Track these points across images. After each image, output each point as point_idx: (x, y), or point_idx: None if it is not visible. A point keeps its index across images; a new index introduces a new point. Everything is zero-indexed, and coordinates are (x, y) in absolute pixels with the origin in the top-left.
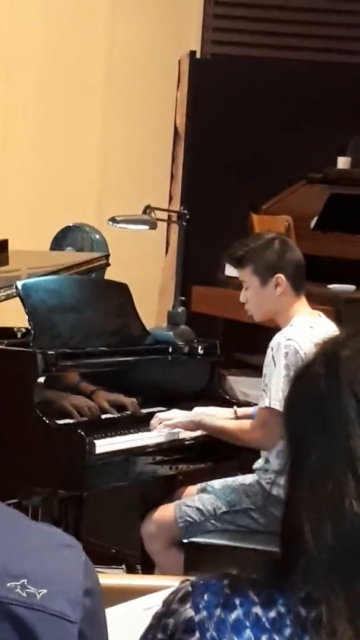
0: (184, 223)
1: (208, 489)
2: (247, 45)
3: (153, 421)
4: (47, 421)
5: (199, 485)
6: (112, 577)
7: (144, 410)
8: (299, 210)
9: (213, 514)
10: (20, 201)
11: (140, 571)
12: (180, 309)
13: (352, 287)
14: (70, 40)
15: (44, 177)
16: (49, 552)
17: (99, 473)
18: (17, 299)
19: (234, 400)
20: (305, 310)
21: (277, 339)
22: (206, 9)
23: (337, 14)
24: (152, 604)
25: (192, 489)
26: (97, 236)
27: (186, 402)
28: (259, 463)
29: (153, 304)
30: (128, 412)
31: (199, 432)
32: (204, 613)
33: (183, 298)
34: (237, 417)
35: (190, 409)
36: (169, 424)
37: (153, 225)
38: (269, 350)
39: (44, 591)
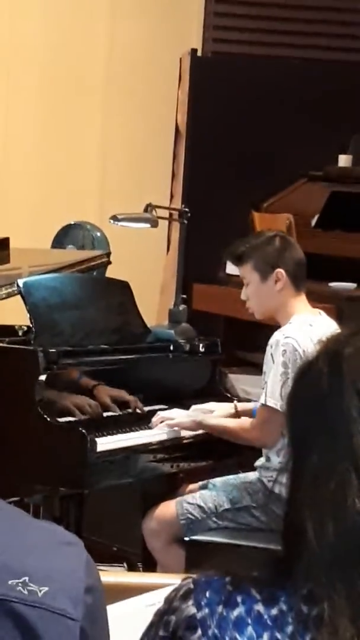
0: (185, 221)
1: (209, 486)
2: (248, 44)
3: (155, 419)
4: (49, 419)
5: (200, 483)
6: (113, 575)
7: (146, 408)
8: (300, 208)
9: (214, 511)
10: (21, 199)
11: (141, 569)
12: (182, 307)
13: (353, 285)
14: (71, 40)
15: (45, 176)
16: (51, 549)
17: (100, 471)
18: (19, 297)
19: (235, 398)
20: (305, 308)
21: (276, 336)
22: (207, 7)
23: (338, 12)
24: (154, 600)
25: (193, 487)
26: (99, 234)
27: (187, 399)
28: (260, 461)
29: (154, 302)
30: (129, 410)
31: (200, 430)
32: (206, 610)
33: (184, 296)
34: (237, 412)
35: (191, 406)
36: (170, 423)
37: (154, 224)
38: (268, 348)
39: (46, 589)
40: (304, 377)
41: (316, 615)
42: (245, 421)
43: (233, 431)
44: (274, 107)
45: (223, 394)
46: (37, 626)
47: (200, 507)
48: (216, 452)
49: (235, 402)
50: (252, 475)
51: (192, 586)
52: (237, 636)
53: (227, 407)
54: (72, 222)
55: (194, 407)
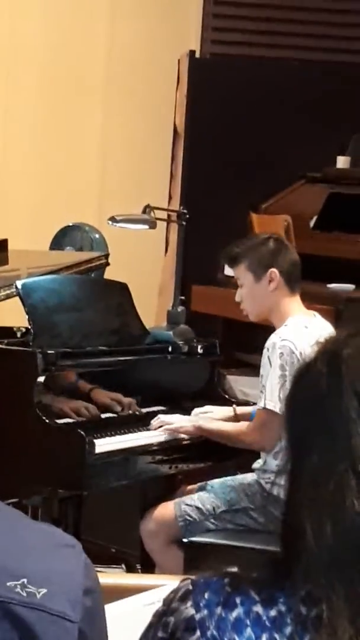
0: (184, 222)
1: (207, 488)
2: (247, 45)
3: (154, 423)
4: (47, 420)
5: (198, 484)
6: (111, 577)
7: (144, 410)
8: (298, 209)
9: (212, 512)
10: (20, 201)
11: (139, 570)
12: (180, 308)
13: (351, 286)
14: (70, 41)
15: (43, 177)
16: (49, 551)
17: (98, 472)
18: (17, 298)
19: (233, 400)
20: (299, 310)
21: (272, 339)
22: (205, 8)
23: (336, 14)
24: (153, 599)
25: (191, 488)
26: (97, 235)
27: (186, 401)
28: (258, 463)
29: (153, 304)
30: (128, 412)
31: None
32: (205, 611)
33: (183, 297)
34: (236, 416)
35: (190, 408)
36: (169, 428)
37: (153, 225)
38: (264, 351)
39: (44, 591)
40: (303, 379)
41: (315, 616)
42: (243, 425)
43: (232, 435)
44: (272, 109)
45: (221, 396)
46: (35, 628)
47: (198, 508)
48: (215, 454)
49: (234, 405)
50: (249, 477)
51: (190, 587)
52: (236, 637)
53: (226, 411)
54: (71, 224)
55: (195, 410)
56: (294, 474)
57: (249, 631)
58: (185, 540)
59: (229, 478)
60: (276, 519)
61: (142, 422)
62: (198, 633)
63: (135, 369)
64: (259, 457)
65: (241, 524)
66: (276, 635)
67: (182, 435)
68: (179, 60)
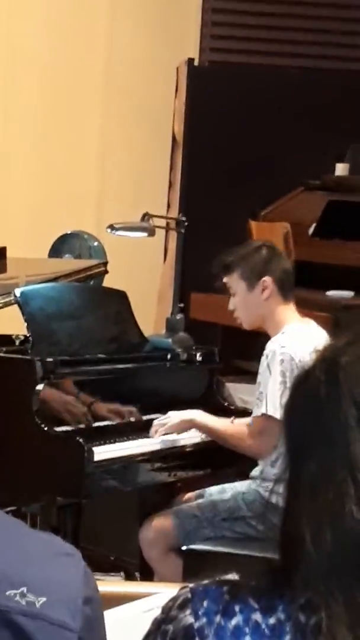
0: (182, 230)
1: (206, 495)
2: (245, 53)
3: (152, 430)
4: (46, 428)
5: (197, 492)
6: (110, 585)
7: (143, 418)
8: (297, 217)
9: (211, 521)
10: (19, 208)
11: (138, 578)
12: (179, 316)
13: (350, 293)
14: (69, 48)
15: (42, 185)
16: (49, 560)
17: (97, 480)
18: (16, 306)
19: (232, 407)
20: (295, 317)
21: (271, 347)
22: (204, 16)
23: (335, 21)
24: (152, 606)
25: (190, 496)
26: (96, 243)
27: (185, 409)
28: (256, 471)
29: (151, 311)
30: (127, 419)
31: (198, 439)
32: (204, 620)
33: (181, 305)
34: None
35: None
36: (162, 430)
37: (151, 233)
38: (263, 359)
39: (44, 599)
40: (301, 386)
41: (314, 624)
42: (241, 429)
43: (226, 435)
44: (271, 116)
45: (220, 403)
46: (35, 637)
47: (196, 516)
48: (214, 461)
49: (233, 418)
50: (248, 485)
51: (189, 595)
52: None
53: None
54: (69, 231)
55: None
56: (292, 482)
57: (248, 639)
58: (184, 548)
59: (227, 485)
60: (275, 526)
61: (140, 430)
62: None
63: (134, 377)
64: (257, 464)
65: (240, 532)
66: None
67: (182, 443)
68: (177, 69)
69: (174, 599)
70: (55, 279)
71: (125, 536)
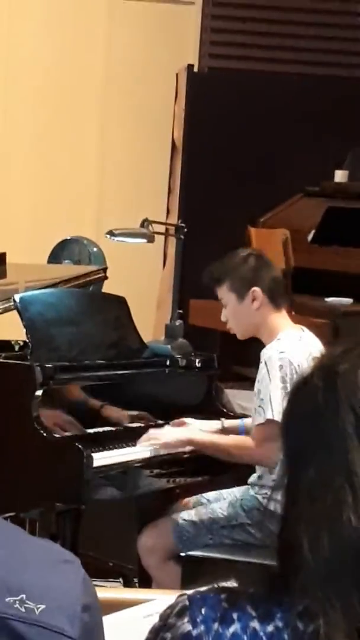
0: (182, 236)
1: (204, 502)
2: (245, 59)
3: (144, 437)
4: (45, 434)
5: (195, 499)
6: (109, 591)
7: (142, 424)
8: (296, 223)
9: (209, 527)
10: (18, 214)
11: (137, 584)
12: (178, 322)
13: (349, 300)
14: (68, 55)
15: (42, 190)
16: (48, 567)
17: (96, 486)
18: (15, 312)
19: (231, 414)
20: (288, 324)
21: (269, 353)
22: (203, 23)
23: (333, 28)
24: (152, 611)
25: (188, 503)
26: (95, 249)
27: (184, 415)
28: (254, 477)
29: (150, 317)
30: (129, 425)
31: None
32: (202, 627)
33: (180, 311)
34: (224, 429)
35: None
36: (157, 443)
37: (150, 239)
38: (261, 366)
39: (43, 607)
40: (300, 393)
41: (312, 631)
42: (242, 439)
43: (228, 448)
44: (270, 123)
45: (219, 410)
46: None
47: (194, 523)
48: (212, 468)
49: (222, 419)
50: (246, 492)
51: (187, 603)
52: None
53: (213, 424)
54: (69, 237)
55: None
56: (290, 489)
57: None
58: (182, 554)
59: (225, 492)
60: (273, 533)
61: (140, 436)
62: None
63: (133, 383)
64: (254, 471)
65: (239, 539)
66: None
67: (180, 449)
68: (177, 75)
69: (172, 607)
70: (54, 285)
71: (124, 542)
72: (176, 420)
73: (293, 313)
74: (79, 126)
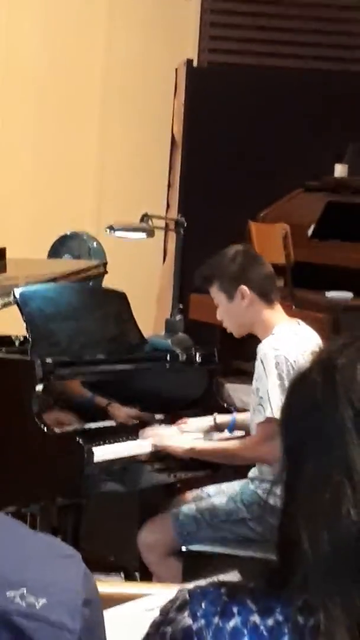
0: (182, 231)
1: (205, 497)
2: (244, 54)
3: (145, 433)
4: (45, 429)
5: (195, 494)
6: (110, 586)
7: (143, 418)
8: (296, 218)
9: (210, 522)
10: (18, 209)
11: (138, 578)
12: (178, 316)
13: (349, 294)
14: (68, 51)
15: (42, 186)
16: (49, 561)
17: (97, 481)
18: (15, 306)
19: (231, 407)
20: (282, 318)
21: (264, 350)
22: (203, 17)
23: (334, 22)
24: (153, 605)
25: (189, 497)
26: (95, 244)
27: (184, 409)
28: (253, 471)
29: (151, 312)
30: (129, 420)
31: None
32: (202, 621)
33: (181, 306)
34: (216, 425)
35: (188, 416)
36: (160, 445)
37: (150, 233)
38: (257, 363)
39: (44, 601)
40: (298, 388)
41: (312, 625)
42: (243, 439)
43: (231, 452)
44: (269, 117)
45: (220, 404)
46: (34, 638)
47: (195, 518)
48: (214, 462)
49: (215, 414)
50: (246, 487)
51: (187, 597)
52: None
53: (206, 421)
54: (69, 232)
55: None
56: (289, 483)
57: None
58: (183, 549)
59: (224, 486)
60: (273, 528)
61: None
62: None
63: (134, 378)
64: (254, 465)
65: (239, 534)
66: None
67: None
68: (176, 70)
69: (172, 601)
70: (54, 280)
71: (125, 536)
72: (179, 421)
73: (293, 307)
74: (78, 121)
